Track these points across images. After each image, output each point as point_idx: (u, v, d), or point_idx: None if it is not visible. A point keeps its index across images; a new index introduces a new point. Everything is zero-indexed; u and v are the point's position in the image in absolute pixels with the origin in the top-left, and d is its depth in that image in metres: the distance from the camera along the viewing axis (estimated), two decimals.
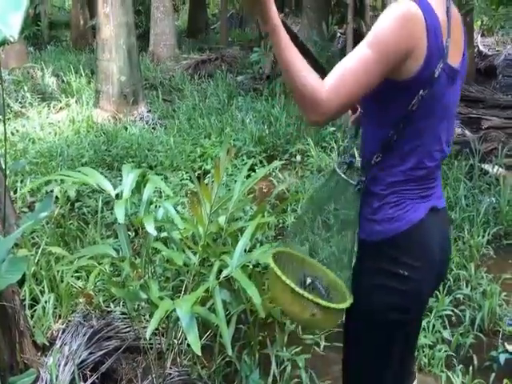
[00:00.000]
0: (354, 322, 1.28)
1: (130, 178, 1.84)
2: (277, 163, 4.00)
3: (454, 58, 1.12)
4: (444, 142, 1.18)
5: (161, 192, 3.31)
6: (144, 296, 1.66)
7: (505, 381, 1.94)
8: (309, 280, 1.29)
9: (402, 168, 1.15)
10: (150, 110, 5.56)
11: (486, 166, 3.98)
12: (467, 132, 4.89)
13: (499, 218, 3.20)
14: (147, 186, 1.87)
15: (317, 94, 1.00)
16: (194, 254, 1.86)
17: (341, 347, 1.94)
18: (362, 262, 1.25)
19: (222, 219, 1.96)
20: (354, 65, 1.03)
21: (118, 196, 1.80)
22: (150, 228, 1.65)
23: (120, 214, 1.67)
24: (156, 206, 2.71)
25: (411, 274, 1.16)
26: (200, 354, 1.29)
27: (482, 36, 9.73)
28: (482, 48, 9.02)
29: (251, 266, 2.61)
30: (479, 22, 10.09)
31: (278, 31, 1.02)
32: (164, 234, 2.03)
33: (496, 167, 3.89)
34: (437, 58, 1.07)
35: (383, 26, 1.03)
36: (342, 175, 1.25)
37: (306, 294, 1.15)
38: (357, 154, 1.30)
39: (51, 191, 2.94)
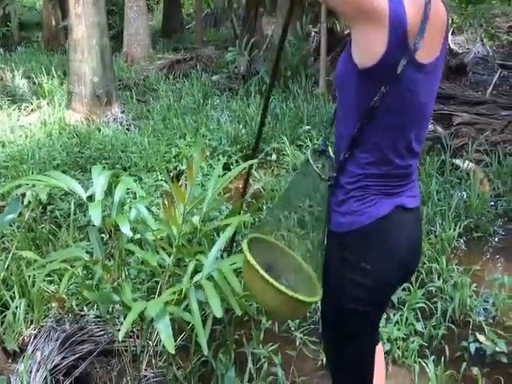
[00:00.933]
0: (327, 307, 1.32)
1: (100, 179, 1.82)
2: (253, 161, 4.03)
3: (429, 55, 1.12)
4: (413, 139, 1.17)
5: (135, 193, 3.27)
6: (117, 298, 1.64)
7: (475, 369, 1.99)
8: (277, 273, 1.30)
9: (365, 161, 1.17)
10: (123, 111, 5.49)
11: (457, 161, 4.07)
12: (439, 128, 4.98)
13: (470, 212, 3.28)
14: (118, 187, 1.84)
15: None
16: (169, 254, 1.85)
17: (316, 342, 1.95)
18: (329, 253, 1.27)
19: (196, 219, 1.95)
20: None
21: (90, 198, 1.77)
22: (125, 229, 1.62)
23: (96, 216, 1.64)
24: (130, 208, 2.67)
25: (373, 268, 1.18)
26: (173, 352, 1.29)
27: (452, 34, 9.92)
28: (452, 46, 9.18)
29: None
30: (450, 21, 10.30)
31: None
32: (138, 236, 2.01)
33: (467, 162, 3.99)
34: (398, 55, 1.06)
35: None
36: (315, 168, 1.24)
37: (276, 284, 1.17)
38: (331, 151, 1.30)
39: (21, 195, 2.87)
